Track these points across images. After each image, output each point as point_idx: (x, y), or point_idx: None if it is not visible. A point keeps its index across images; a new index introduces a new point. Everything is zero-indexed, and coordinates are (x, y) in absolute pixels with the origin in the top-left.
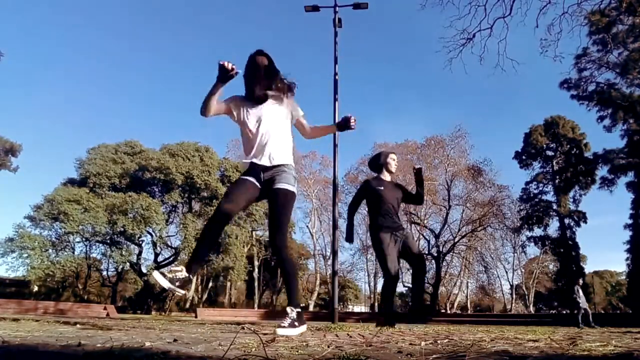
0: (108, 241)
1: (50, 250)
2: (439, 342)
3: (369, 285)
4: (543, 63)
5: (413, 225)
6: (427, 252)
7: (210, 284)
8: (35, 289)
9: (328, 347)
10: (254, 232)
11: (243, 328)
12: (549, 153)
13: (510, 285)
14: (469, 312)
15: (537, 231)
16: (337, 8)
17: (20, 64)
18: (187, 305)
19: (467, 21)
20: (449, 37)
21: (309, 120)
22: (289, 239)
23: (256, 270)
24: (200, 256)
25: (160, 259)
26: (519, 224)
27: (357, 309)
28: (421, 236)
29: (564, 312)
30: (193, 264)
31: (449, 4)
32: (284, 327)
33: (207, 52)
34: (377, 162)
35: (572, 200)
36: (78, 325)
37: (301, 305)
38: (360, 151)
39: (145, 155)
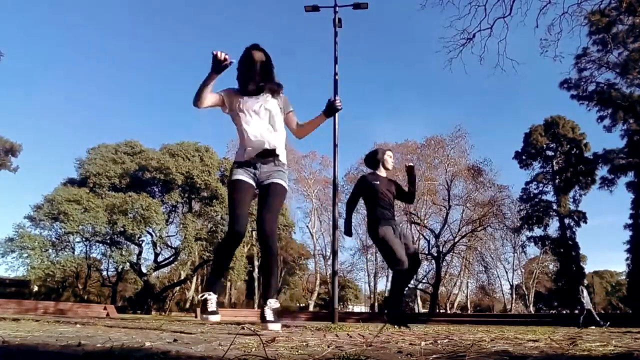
0: (108, 241)
1: (50, 250)
2: (439, 342)
3: (369, 285)
4: (543, 63)
5: (413, 225)
6: (427, 252)
7: None
8: (35, 289)
9: (328, 347)
10: (254, 232)
11: (243, 328)
12: (549, 153)
13: (510, 285)
14: (469, 312)
15: (537, 231)
16: (337, 8)
17: (20, 64)
18: (187, 305)
19: (467, 21)
20: (449, 37)
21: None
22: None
23: (256, 270)
24: (219, 279)
25: (160, 259)
26: (519, 224)
27: (357, 309)
28: (421, 236)
29: (564, 312)
30: (215, 285)
31: (449, 4)
32: (272, 321)
33: (207, 52)
34: (374, 159)
35: (572, 200)
36: (78, 325)
37: (300, 305)
38: (360, 151)
39: (145, 155)
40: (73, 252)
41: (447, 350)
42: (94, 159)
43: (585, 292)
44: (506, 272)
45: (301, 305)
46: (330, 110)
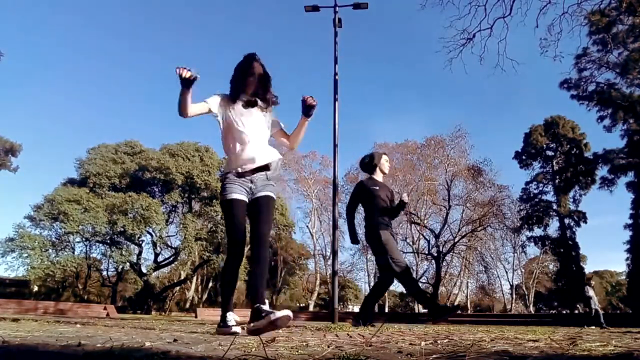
0: (108, 241)
1: (50, 250)
2: (439, 342)
3: (369, 286)
4: (543, 63)
5: (413, 225)
6: (427, 252)
7: (210, 284)
8: (35, 289)
9: (328, 347)
10: None
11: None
12: (549, 153)
13: (510, 285)
14: (469, 312)
15: (537, 231)
16: (337, 8)
17: (20, 64)
18: (187, 305)
19: (467, 21)
20: (449, 37)
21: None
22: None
23: None
24: (231, 297)
25: (160, 259)
26: (519, 224)
27: (357, 309)
28: (421, 236)
29: (564, 312)
30: (229, 304)
31: (449, 4)
32: (273, 311)
33: (207, 52)
34: (371, 163)
35: (572, 200)
36: (78, 325)
37: (300, 305)
38: (360, 151)
39: (145, 155)
40: (73, 252)
41: (447, 350)
42: (94, 159)
43: (591, 292)
44: (506, 272)
45: (301, 305)
46: (307, 109)
